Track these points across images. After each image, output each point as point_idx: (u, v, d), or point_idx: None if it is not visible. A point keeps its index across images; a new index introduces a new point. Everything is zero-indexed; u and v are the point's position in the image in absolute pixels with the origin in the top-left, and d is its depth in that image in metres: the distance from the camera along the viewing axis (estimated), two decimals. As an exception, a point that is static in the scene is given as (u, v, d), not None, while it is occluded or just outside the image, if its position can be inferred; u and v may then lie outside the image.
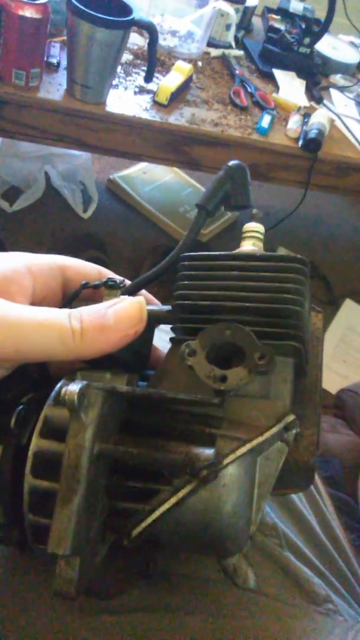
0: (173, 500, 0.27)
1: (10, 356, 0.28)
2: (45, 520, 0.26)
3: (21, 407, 0.30)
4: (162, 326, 0.39)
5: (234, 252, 0.36)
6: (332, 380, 1.62)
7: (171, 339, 0.35)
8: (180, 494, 0.27)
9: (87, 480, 0.26)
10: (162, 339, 0.37)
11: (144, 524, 0.28)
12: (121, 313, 0.30)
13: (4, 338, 0.27)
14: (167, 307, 0.36)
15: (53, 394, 0.30)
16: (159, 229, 1.80)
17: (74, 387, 0.26)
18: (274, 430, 0.30)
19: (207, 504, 0.27)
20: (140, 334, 0.32)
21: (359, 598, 0.50)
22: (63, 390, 0.26)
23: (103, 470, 0.28)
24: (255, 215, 0.39)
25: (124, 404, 0.30)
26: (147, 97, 1.21)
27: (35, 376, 0.34)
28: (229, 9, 1.42)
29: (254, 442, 0.28)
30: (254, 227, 0.38)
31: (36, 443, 0.28)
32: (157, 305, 0.38)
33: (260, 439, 0.29)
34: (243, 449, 0.28)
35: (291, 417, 0.30)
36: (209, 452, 0.27)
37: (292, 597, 0.43)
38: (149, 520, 0.28)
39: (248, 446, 0.28)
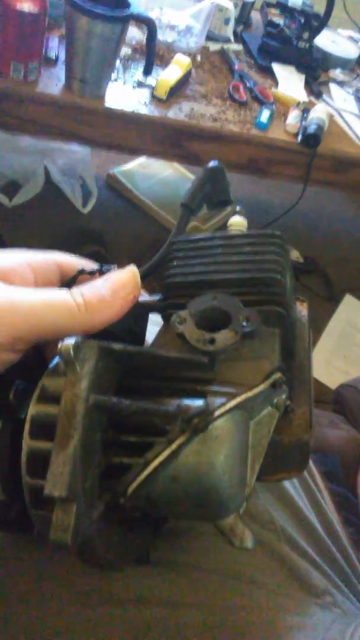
0: (167, 452, 0.28)
1: (25, 336, 0.29)
2: (43, 481, 0.26)
3: (19, 381, 0.31)
4: (153, 320, 0.40)
5: (216, 233, 0.39)
6: (332, 375, 1.62)
7: (163, 316, 0.37)
8: (174, 446, 0.28)
9: (83, 428, 0.27)
10: (154, 332, 0.38)
11: (139, 479, 0.28)
12: (116, 282, 0.32)
13: (17, 319, 0.29)
14: (158, 297, 0.38)
15: (50, 365, 0.30)
16: (158, 224, 1.80)
17: (70, 340, 0.27)
18: (262, 387, 0.31)
19: (200, 456, 0.28)
20: (134, 314, 0.33)
21: (358, 591, 0.50)
22: (59, 344, 0.27)
23: (98, 423, 0.29)
24: (239, 211, 0.42)
25: (118, 368, 0.31)
26: (145, 92, 1.21)
27: (32, 361, 0.34)
28: (227, 3, 1.42)
29: (243, 396, 0.30)
30: (238, 221, 0.41)
31: (34, 407, 0.29)
32: (148, 296, 0.39)
33: (249, 394, 0.30)
34: (233, 402, 0.29)
35: (278, 374, 0.32)
36: (199, 402, 0.28)
37: (291, 589, 0.43)
38: (145, 473, 0.28)
39: (237, 400, 0.29)
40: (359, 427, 0.86)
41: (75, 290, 0.31)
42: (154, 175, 1.91)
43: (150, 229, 1.79)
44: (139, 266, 0.36)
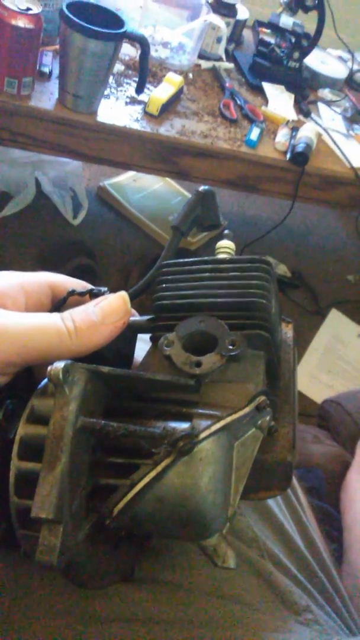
0: (153, 473, 0.29)
1: (14, 360, 0.30)
2: (31, 502, 0.27)
3: (8, 401, 0.31)
4: (142, 338, 0.41)
5: (205, 257, 0.40)
6: (318, 389, 1.64)
7: (151, 337, 0.38)
8: (160, 467, 0.28)
9: (71, 450, 0.28)
10: (143, 349, 0.38)
11: (125, 500, 0.29)
12: (107, 308, 0.33)
13: (8, 344, 0.29)
14: (147, 317, 0.39)
15: (39, 387, 0.31)
16: (149, 237, 1.81)
17: (59, 364, 0.28)
18: (247, 409, 0.32)
19: (185, 478, 0.29)
20: (123, 336, 0.34)
21: (338, 608, 0.51)
22: (48, 368, 0.28)
23: (86, 446, 0.30)
24: (227, 234, 0.43)
25: (106, 390, 0.32)
26: (138, 108, 1.23)
27: (22, 382, 0.35)
28: (220, 22, 1.44)
29: (228, 419, 0.30)
30: (226, 244, 0.42)
31: (22, 428, 0.30)
32: (138, 317, 0.40)
33: (234, 416, 0.31)
34: (217, 425, 0.30)
35: (262, 397, 0.33)
36: (185, 425, 0.29)
37: (273, 607, 0.44)
38: (131, 494, 0.29)
39: (222, 422, 0.30)
40: (343, 443, 0.87)
41: (67, 315, 0.32)
42: (144, 188, 1.93)
43: (140, 241, 1.80)
44: (127, 279, 0.36)
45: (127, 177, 1.94)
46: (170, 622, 0.39)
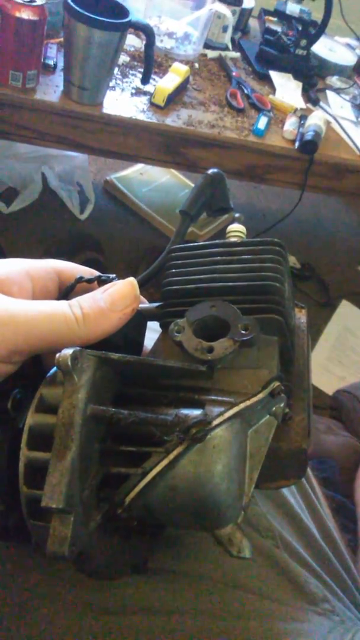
0: (165, 462, 0.28)
1: (21, 349, 0.29)
2: (41, 492, 0.26)
3: (17, 390, 0.31)
4: (152, 327, 0.40)
5: (216, 241, 0.39)
6: (329, 381, 1.62)
7: (161, 324, 0.37)
8: (172, 455, 0.28)
9: (80, 439, 0.27)
10: (152, 339, 0.38)
11: (137, 489, 0.28)
12: (115, 295, 0.32)
13: (14, 332, 0.29)
14: (157, 304, 0.38)
15: (48, 375, 0.30)
16: (156, 230, 1.80)
17: (67, 351, 0.27)
18: (261, 395, 0.31)
19: (198, 466, 0.28)
20: (133, 322, 0.33)
21: (355, 599, 0.50)
22: (57, 355, 0.27)
23: (96, 434, 0.29)
24: (238, 218, 0.42)
25: (116, 378, 0.31)
26: (143, 99, 1.22)
27: (30, 370, 0.34)
28: (225, 10, 1.43)
29: (242, 406, 0.30)
30: (237, 228, 0.41)
31: (31, 417, 0.29)
32: (147, 304, 0.39)
33: (247, 403, 0.30)
34: (231, 412, 0.29)
35: (277, 383, 0.32)
36: (198, 412, 0.28)
37: (289, 597, 0.43)
38: (142, 484, 0.28)
39: (235, 409, 0.29)
40: (356, 433, 0.86)
41: (74, 302, 0.31)
42: (151, 181, 1.92)
43: (147, 235, 1.79)
44: (136, 273, 0.36)
45: (133, 171, 1.93)
46: (184, 613, 0.38)
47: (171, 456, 0.28)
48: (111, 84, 1.18)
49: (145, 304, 0.39)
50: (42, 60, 1.08)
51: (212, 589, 0.40)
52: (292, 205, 1.48)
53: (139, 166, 1.94)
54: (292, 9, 1.56)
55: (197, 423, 0.28)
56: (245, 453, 0.31)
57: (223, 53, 1.47)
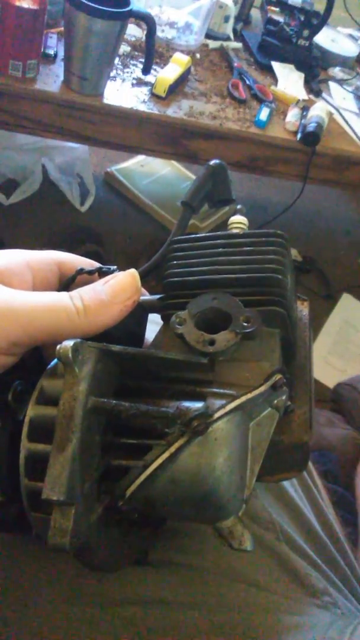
0: (166, 454, 0.28)
1: (22, 340, 0.29)
2: (42, 484, 0.26)
3: (17, 382, 0.31)
4: (153, 319, 0.40)
5: (218, 232, 0.38)
6: (330, 374, 1.62)
7: (162, 316, 0.37)
8: (173, 448, 0.28)
9: (81, 431, 0.27)
10: (153, 331, 0.37)
11: (138, 481, 0.28)
12: (116, 286, 0.32)
13: (14, 323, 0.29)
14: (158, 296, 0.38)
15: (49, 367, 0.30)
16: (157, 222, 1.79)
17: (68, 343, 0.27)
18: (262, 388, 0.31)
19: (200, 458, 0.28)
20: (134, 315, 0.33)
21: (356, 591, 0.50)
22: (57, 347, 0.27)
23: (97, 426, 0.29)
24: (239, 209, 0.42)
25: (117, 370, 0.31)
26: (144, 89, 1.21)
27: (31, 362, 0.34)
28: (227, 0, 1.41)
29: (243, 398, 0.30)
30: (239, 220, 0.41)
31: (32, 409, 0.29)
32: (148, 296, 0.39)
33: (249, 396, 0.30)
34: (232, 404, 0.29)
35: (278, 376, 0.32)
36: (199, 405, 0.28)
37: (291, 590, 0.43)
38: (143, 476, 0.28)
39: (237, 401, 0.29)
40: (357, 426, 0.86)
41: (75, 294, 0.31)
42: (152, 173, 1.91)
43: (148, 227, 1.79)
44: (136, 265, 0.35)
45: (134, 163, 1.92)
46: (185, 605, 0.38)
47: (172, 449, 0.28)
48: (112, 74, 1.17)
49: (146, 296, 0.39)
50: (42, 49, 1.07)
51: (212, 582, 0.40)
52: (293, 197, 1.47)
53: (140, 158, 1.92)
54: (295, -2, 1.54)
55: (198, 416, 0.27)
56: (247, 446, 0.31)
57: (225, 43, 1.46)
